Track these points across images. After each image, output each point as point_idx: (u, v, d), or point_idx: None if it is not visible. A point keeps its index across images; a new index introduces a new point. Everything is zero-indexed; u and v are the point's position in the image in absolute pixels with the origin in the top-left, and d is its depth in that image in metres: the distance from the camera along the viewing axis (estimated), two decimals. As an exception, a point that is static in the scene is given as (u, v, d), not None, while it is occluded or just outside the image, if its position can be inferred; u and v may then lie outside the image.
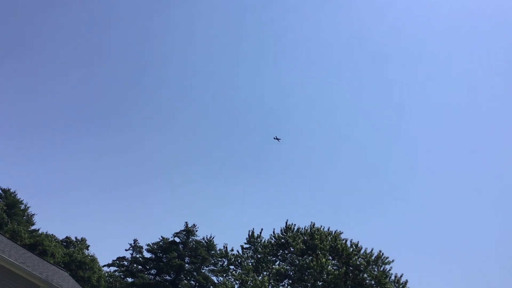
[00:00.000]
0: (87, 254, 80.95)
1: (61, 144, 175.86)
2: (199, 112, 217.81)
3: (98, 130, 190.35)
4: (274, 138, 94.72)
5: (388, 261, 48.83)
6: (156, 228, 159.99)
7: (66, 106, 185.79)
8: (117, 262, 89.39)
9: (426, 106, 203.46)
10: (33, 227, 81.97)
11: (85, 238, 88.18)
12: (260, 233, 53.60)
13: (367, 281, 47.48)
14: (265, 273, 48.89)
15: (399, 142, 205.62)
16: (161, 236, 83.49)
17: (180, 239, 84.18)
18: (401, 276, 48.03)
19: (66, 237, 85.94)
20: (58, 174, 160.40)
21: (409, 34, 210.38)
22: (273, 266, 50.16)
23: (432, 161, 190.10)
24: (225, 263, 53.25)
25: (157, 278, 79.93)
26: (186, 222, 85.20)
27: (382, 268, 48.41)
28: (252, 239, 53.01)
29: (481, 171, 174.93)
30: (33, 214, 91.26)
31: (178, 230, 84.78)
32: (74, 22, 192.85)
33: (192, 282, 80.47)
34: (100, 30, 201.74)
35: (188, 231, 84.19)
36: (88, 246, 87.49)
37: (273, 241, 52.78)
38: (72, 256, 73.89)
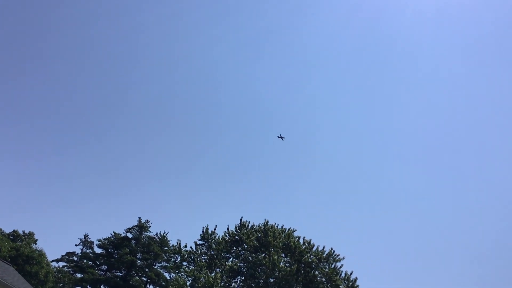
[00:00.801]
0: (34, 248, 78.33)
1: (9, 137, 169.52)
2: (156, 106, 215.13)
3: (48, 124, 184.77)
4: (278, 137, 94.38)
5: (339, 258, 49.92)
6: (108, 223, 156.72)
7: (21, 99, 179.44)
8: (66, 257, 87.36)
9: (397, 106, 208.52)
10: (-23, 220, 78.71)
11: (33, 232, 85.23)
12: (215, 229, 53.57)
13: (318, 278, 48.37)
14: (218, 269, 48.96)
15: (361, 141, 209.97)
16: (113, 232, 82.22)
17: (133, 235, 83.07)
18: (351, 273, 49.21)
19: (13, 231, 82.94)
20: (5, 166, 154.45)
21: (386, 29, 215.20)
22: (226, 262, 50.28)
23: (392, 159, 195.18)
24: (178, 259, 52.92)
25: (108, 274, 78.62)
26: (139, 218, 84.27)
27: (333, 266, 49.42)
28: (206, 235, 52.94)
29: (429, 168, 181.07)
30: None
31: (131, 226, 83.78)
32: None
33: (144, 279, 79.57)
34: (82, 28, 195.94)
35: (141, 227, 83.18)
36: (36, 240, 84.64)
37: (227, 238, 52.89)
38: (19, 250, 71.40)
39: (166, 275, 77.90)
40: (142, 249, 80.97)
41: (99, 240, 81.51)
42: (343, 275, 49.24)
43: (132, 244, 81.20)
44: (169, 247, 78.07)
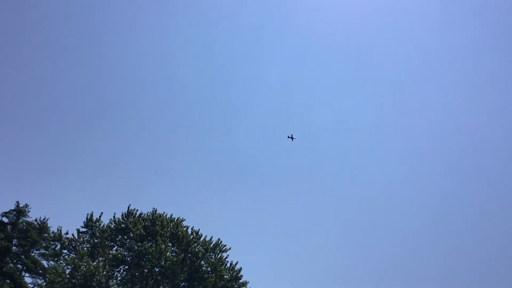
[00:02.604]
0: None
1: None
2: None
3: None
4: (288, 137, 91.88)
5: (225, 248, 51.18)
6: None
7: None
8: None
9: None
10: None
11: None
12: (100, 217, 52.04)
13: (204, 268, 49.11)
14: (101, 258, 47.65)
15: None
16: (-14, 216, 76.45)
17: (9, 220, 78.00)
18: (236, 263, 50.66)
19: None
20: None
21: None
22: (111, 251, 49.07)
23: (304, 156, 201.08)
24: (58, 246, 50.64)
25: (-23, 260, 73.08)
26: (17, 202, 79.14)
27: (219, 256, 50.50)
28: (90, 223, 51.27)
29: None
30: None
31: (7, 210, 78.35)
32: None
33: (19, 266, 75.32)
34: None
35: (19, 211, 78.32)
36: None
37: (112, 225, 51.58)
38: None
39: (44, 263, 74.50)
40: (18, 235, 76.33)
41: (-31, 224, 75.49)
42: (228, 265, 50.51)
43: (7, 229, 76.22)
44: (49, 234, 74.32)
